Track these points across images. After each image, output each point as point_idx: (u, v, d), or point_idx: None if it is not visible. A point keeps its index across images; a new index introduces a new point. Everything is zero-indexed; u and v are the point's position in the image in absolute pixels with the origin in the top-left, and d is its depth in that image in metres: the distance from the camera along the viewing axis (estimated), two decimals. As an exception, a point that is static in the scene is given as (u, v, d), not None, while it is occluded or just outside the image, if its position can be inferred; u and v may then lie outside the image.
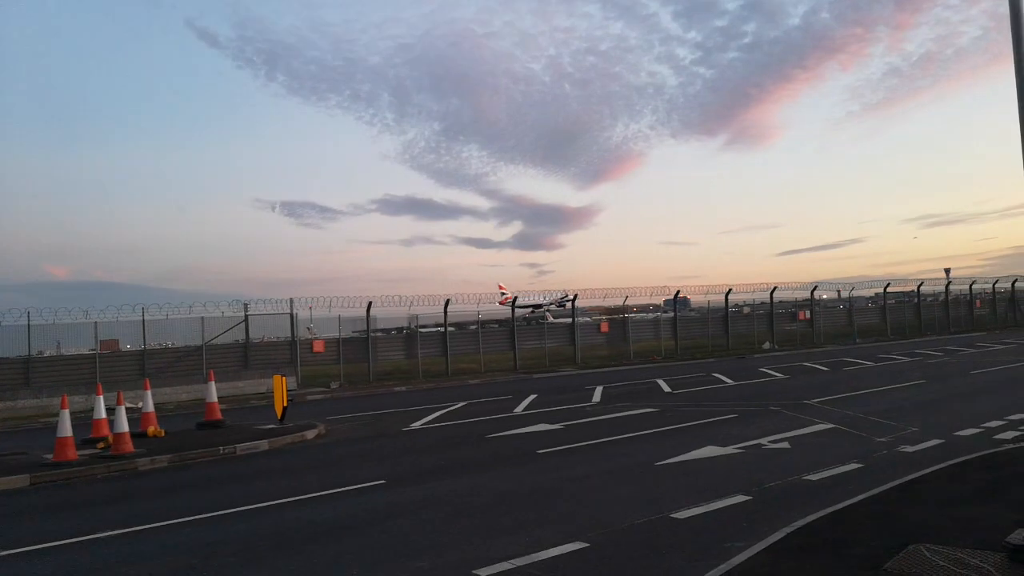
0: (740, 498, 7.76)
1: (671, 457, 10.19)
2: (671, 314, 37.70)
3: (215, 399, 16.15)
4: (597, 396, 19.08)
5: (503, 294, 44.65)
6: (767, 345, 37.59)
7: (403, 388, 26.11)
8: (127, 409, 12.97)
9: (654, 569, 5.76)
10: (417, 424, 15.59)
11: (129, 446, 12.42)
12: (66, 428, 11.85)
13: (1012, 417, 12.02)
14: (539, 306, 38.76)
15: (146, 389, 15.11)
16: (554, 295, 36.38)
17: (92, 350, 25.97)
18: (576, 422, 14.41)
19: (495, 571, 5.85)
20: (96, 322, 25.43)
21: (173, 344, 28.31)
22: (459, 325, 34.66)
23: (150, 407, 14.78)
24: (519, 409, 17.15)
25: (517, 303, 35.24)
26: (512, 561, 6.03)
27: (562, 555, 6.15)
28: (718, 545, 6.18)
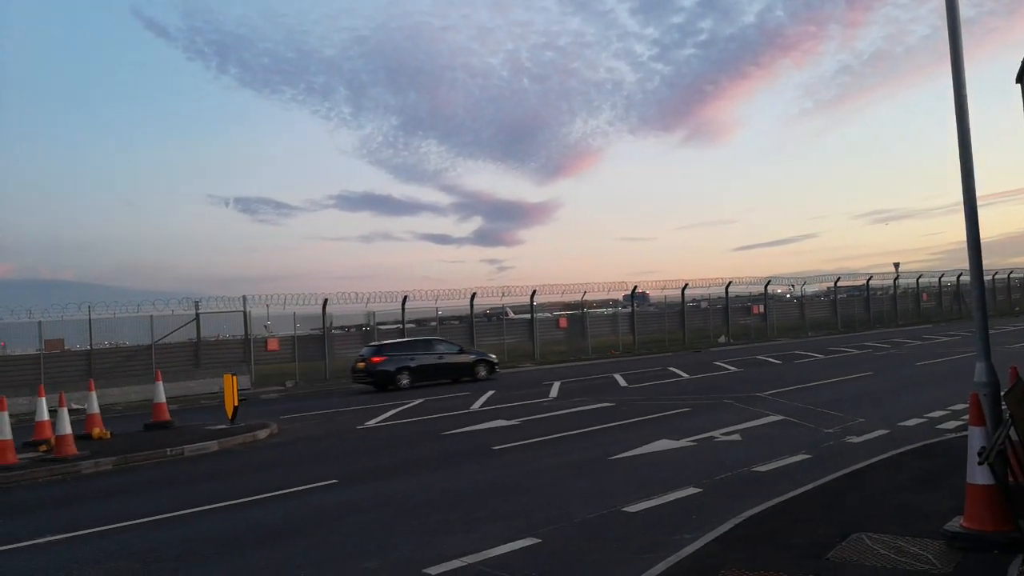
0: (691, 490, 7.84)
1: (625, 451, 10.25)
2: (629, 309, 38.00)
3: (163, 399, 15.80)
4: (554, 391, 19.13)
5: None
6: (722, 339, 38.16)
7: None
8: (72, 410, 12.59)
9: (604, 562, 5.78)
10: (372, 422, 15.43)
11: (72, 449, 12.04)
12: (5, 431, 11.47)
13: (955, 407, 12.33)
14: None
15: (91, 390, 14.73)
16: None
17: (38, 350, 25.18)
18: (532, 418, 14.42)
19: (446, 569, 5.79)
20: (40, 321, 24.69)
21: (123, 343, 27.61)
22: (418, 322, 34.41)
23: (95, 408, 14.41)
24: (476, 406, 17.09)
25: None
26: (463, 559, 5.99)
27: (513, 551, 6.13)
28: (668, 537, 6.22)
